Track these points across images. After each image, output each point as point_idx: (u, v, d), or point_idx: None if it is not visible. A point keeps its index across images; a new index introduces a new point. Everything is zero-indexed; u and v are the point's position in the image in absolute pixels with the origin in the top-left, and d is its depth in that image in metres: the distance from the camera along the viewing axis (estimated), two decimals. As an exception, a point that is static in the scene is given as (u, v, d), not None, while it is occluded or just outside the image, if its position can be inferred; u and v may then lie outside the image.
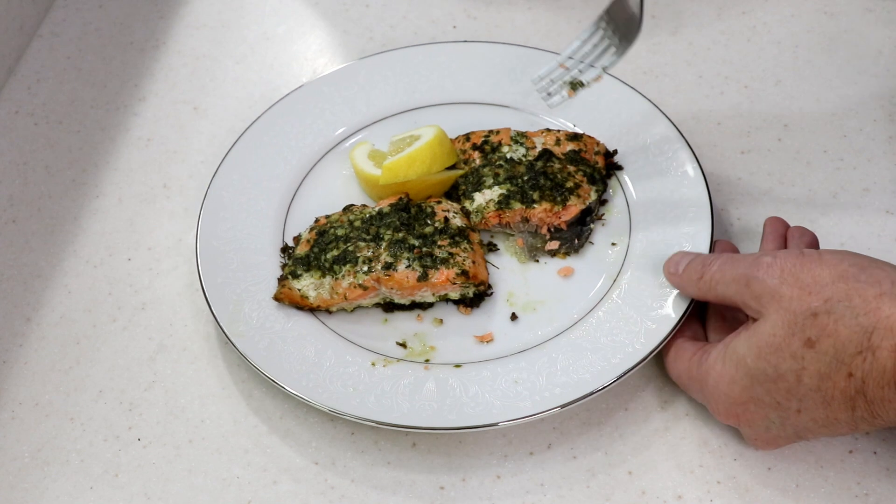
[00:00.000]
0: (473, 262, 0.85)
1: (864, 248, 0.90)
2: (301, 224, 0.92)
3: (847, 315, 0.67)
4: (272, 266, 0.89)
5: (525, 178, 0.90)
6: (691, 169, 0.90)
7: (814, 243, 0.81)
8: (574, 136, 0.93)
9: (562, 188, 0.89)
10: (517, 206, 0.88)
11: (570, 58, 0.86)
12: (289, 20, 1.14)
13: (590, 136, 0.93)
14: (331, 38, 1.12)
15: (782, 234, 0.82)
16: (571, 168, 0.90)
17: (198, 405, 0.84)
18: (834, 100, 1.01)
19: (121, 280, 0.92)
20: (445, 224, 0.87)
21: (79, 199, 0.98)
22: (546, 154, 0.91)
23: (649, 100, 0.96)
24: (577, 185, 0.89)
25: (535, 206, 0.88)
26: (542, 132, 0.94)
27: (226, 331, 0.83)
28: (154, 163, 1.01)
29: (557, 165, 0.90)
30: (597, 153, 0.92)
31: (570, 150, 0.92)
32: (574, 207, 0.88)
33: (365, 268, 0.84)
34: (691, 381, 0.77)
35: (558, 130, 0.94)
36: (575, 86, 0.87)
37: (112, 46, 1.12)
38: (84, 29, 1.14)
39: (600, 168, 0.91)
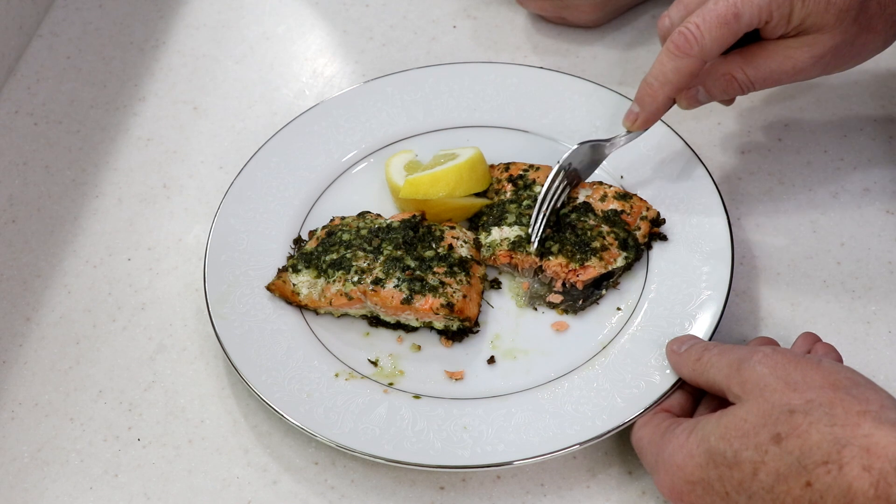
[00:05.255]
0: (464, 297, 0.83)
1: (864, 247, 0.90)
2: (325, 220, 0.91)
3: (823, 421, 0.63)
4: (279, 255, 0.89)
5: (552, 225, 0.86)
6: (722, 256, 0.84)
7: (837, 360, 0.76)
8: (623, 196, 0.88)
9: (585, 247, 0.85)
10: (530, 249, 0.86)
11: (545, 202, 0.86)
12: (288, 20, 1.14)
13: (640, 199, 0.88)
14: (331, 37, 1.12)
15: (808, 350, 0.77)
16: (605, 228, 0.85)
17: (198, 405, 0.84)
18: (834, 100, 1.01)
19: (121, 280, 0.92)
20: (448, 251, 0.85)
21: (79, 199, 0.98)
22: (583, 207, 0.87)
23: (714, 182, 0.89)
24: (604, 248, 0.85)
25: (550, 257, 0.85)
26: (593, 185, 0.89)
27: (210, 309, 0.83)
28: (154, 163, 1.01)
29: (591, 222, 0.86)
30: (642, 218, 0.87)
31: (611, 209, 0.87)
32: (593, 270, 0.84)
33: (355, 278, 0.83)
34: (650, 446, 0.73)
35: (609, 186, 0.89)
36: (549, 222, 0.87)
37: (112, 46, 1.12)
38: (84, 29, 1.14)
39: (638, 235, 0.86)
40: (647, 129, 0.86)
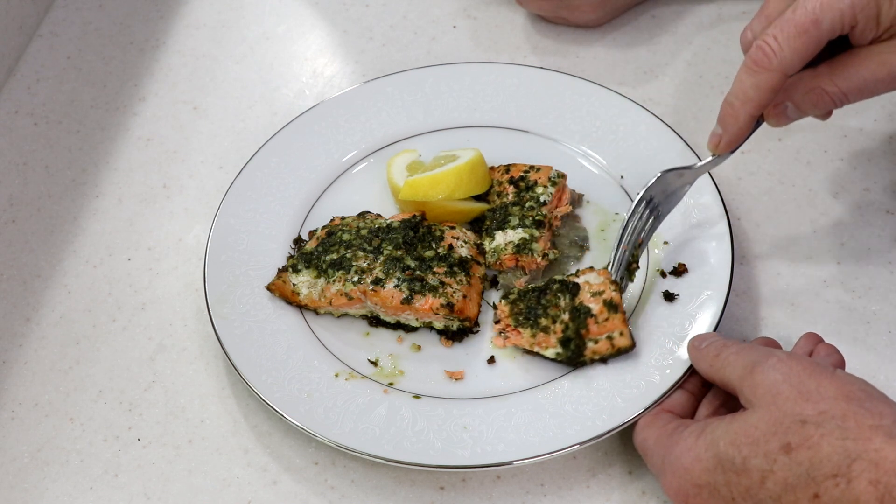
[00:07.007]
0: (464, 297, 0.83)
1: (864, 247, 0.90)
2: (325, 220, 0.91)
3: (835, 434, 0.63)
4: (280, 255, 0.89)
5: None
6: (722, 256, 0.84)
7: (839, 365, 0.75)
8: (610, 304, 0.80)
9: (534, 317, 0.81)
10: (538, 248, 0.85)
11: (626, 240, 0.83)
12: (288, 20, 1.14)
13: (623, 322, 0.79)
14: (331, 37, 1.12)
15: (810, 351, 0.77)
16: (565, 316, 0.80)
17: (198, 405, 0.84)
18: (834, 100, 1.01)
19: (121, 280, 0.92)
20: (448, 251, 0.85)
21: (79, 199, 0.98)
22: (573, 287, 0.81)
23: (714, 182, 0.89)
24: (546, 330, 0.80)
25: (502, 301, 0.83)
26: (601, 271, 0.82)
27: (210, 309, 0.83)
28: (154, 163, 1.01)
29: (561, 303, 0.81)
30: (608, 337, 0.80)
31: (585, 307, 0.80)
32: (522, 340, 0.81)
33: (355, 278, 0.83)
34: (657, 447, 0.72)
35: (614, 291, 0.80)
36: (631, 272, 0.83)
37: (112, 46, 1.12)
38: (84, 29, 1.14)
39: (590, 347, 0.79)
40: (732, 152, 0.81)
